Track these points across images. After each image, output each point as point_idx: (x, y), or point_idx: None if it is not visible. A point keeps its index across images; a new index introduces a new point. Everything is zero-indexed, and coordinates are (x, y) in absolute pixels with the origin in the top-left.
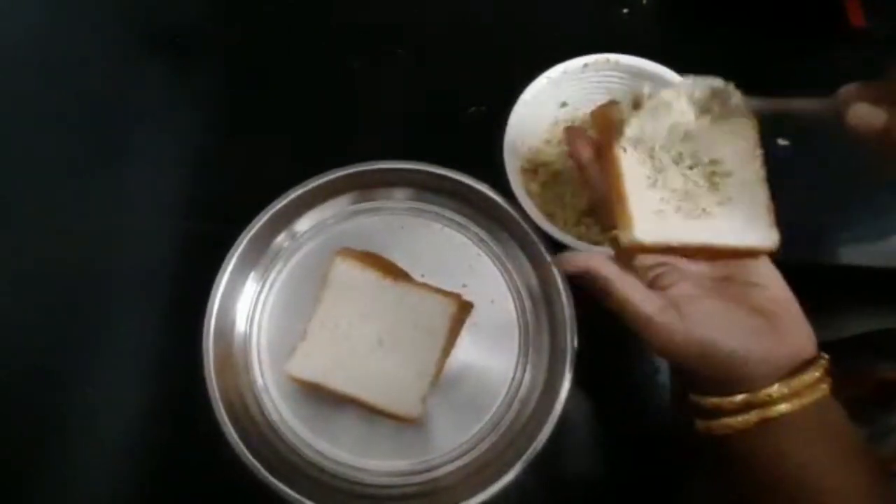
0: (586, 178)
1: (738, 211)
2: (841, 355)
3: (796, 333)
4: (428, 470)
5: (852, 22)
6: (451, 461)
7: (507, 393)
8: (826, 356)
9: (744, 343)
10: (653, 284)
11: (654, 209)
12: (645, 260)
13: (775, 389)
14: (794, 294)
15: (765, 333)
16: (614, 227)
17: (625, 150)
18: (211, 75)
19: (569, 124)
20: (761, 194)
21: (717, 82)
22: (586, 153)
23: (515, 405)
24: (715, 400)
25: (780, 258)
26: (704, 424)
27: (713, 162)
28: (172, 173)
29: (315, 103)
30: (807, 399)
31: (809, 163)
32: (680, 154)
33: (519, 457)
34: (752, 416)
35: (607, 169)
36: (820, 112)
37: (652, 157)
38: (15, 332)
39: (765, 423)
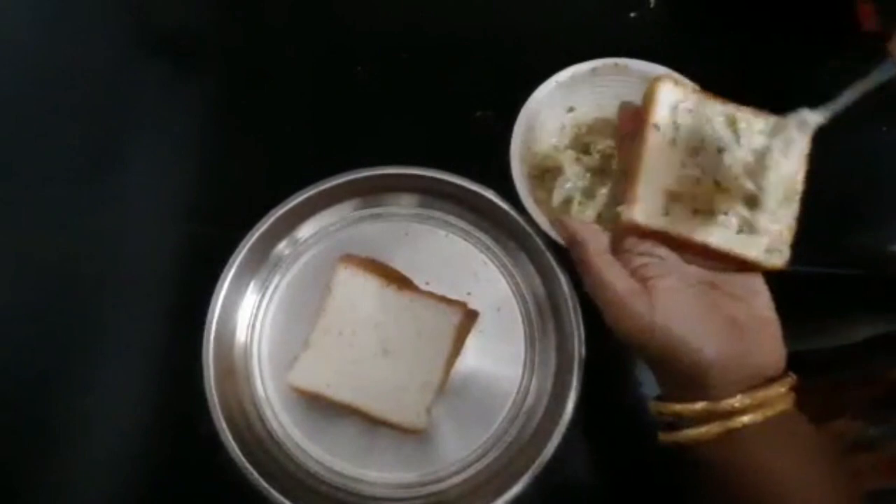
0: (620, 151)
1: (761, 223)
2: (855, 357)
3: (767, 350)
4: (433, 482)
5: (864, 26)
6: (457, 473)
7: (514, 403)
8: (794, 375)
9: (710, 346)
10: (637, 272)
11: (665, 194)
12: (637, 245)
13: (738, 400)
14: (802, 303)
15: (734, 342)
16: (622, 204)
17: (658, 128)
18: (213, 79)
19: (577, 131)
20: (790, 211)
21: (788, 121)
22: (626, 128)
23: (522, 415)
24: (677, 407)
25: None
26: (668, 437)
27: (754, 171)
28: (173, 178)
29: (318, 108)
30: (770, 411)
31: (816, 167)
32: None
33: (527, 468)
34: (715, 428)
35: (636, 145)
36: (882, 79)
37: (686, 146)
38: (14, 337)
39: (728, 434)
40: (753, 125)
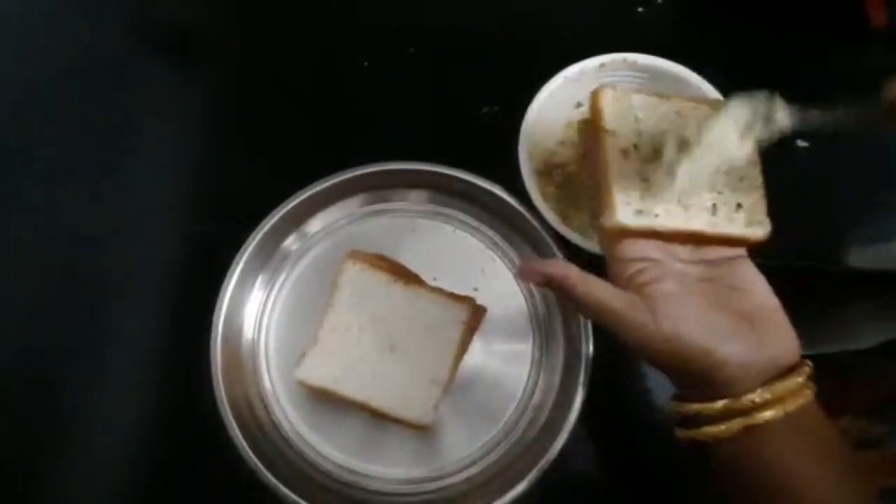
0: (584, 169)
1: (732, 198)
2: (865, 358)
3: (779, 339)
4: (439, 478)
5: (874, 21)
6: (463, 469)
7: (521, 400)
8: (810, 363)
9: (721, 344)
10: (633, 279)
11: (640, 193)
12: (628, 251)
13: (758, 395)
14: (803, 297)
15: (745, 337)
16: (601, 215)
17: (610, 131)
18: (219, 74)
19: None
20: (755, 181)
21: (759, 104)
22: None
23: (529, 412)
24: (696, 406)
25: (788, 261)
26: (686, 433)
27: (708, 151)
28: (180, 174)
29: (325, 103)
30: (791, 405)
31: (818, 162)
32: (676, 143)
33: (533, 465)
34: (735, 425)
35: (595, 155)
36: (866, 116)
37: (638, 146)
38: (19, 335)
39: (748, 430)
40: (697, 112)
